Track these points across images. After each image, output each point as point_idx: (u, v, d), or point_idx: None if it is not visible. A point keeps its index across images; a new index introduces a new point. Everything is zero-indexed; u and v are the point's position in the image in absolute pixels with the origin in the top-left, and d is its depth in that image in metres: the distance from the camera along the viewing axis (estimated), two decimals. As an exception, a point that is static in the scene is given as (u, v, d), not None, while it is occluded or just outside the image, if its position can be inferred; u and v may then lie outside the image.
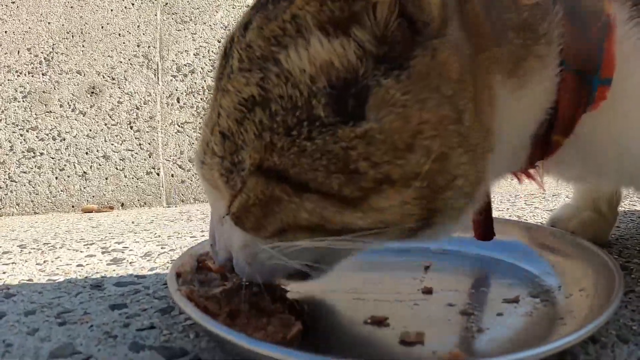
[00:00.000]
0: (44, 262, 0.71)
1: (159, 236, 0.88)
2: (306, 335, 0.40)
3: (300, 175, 0.35)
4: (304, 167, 0.35)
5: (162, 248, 0.77)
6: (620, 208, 0.73)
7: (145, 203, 1.41)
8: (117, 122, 1.47)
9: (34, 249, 0.80)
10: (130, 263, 0.68)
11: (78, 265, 0.68)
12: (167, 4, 1.63)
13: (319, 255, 0.40)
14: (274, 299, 0.43)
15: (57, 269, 0.67)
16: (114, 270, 0.65)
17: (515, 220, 0.80)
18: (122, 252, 0.75)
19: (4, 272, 0.65)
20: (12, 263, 0.70)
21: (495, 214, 1.00)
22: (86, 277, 0.62)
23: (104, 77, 1.51)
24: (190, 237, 0.87)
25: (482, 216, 0.57)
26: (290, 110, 0.35)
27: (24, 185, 1.37)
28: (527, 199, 1.19)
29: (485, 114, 0.37)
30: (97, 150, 1.44)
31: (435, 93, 0.34)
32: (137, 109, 1.50)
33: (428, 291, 0.49)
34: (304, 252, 0.39)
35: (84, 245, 0.81)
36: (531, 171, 0.48)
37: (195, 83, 1.56)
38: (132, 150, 1.45)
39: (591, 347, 0.40)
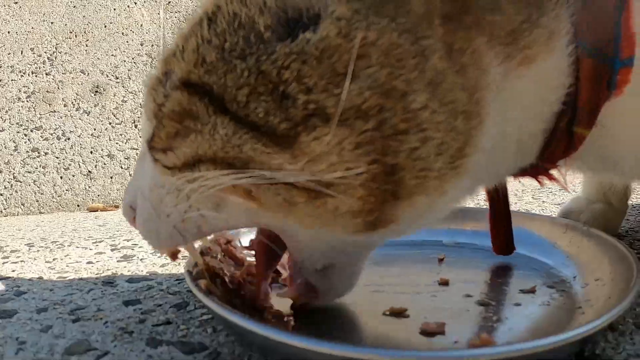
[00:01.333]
0: (54, 259, 0.70)
1: (168, 233, 0.88)
2: (325, 325, 0.40)
3: (225, 93, 0.32)
4: (228, 84, 0.32)
5: (171, 245, 0.77)
6: (629, 201, 0.73)
7: (150, 201, 1.41)
8: (122, 121, 1.47)
9: (42, 247, 0.79)
10: (141, 260, 0.68)
11: (88, 263, 0.68)
12: (170, 2, 1.63)
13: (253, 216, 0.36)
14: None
15: (67, 266, 0.66)
16: (125, 267, 0.65)
17: (527, 212, 0.80)
18: (132, 249, 0.75)
19: (13, 271, 0.65)
20: (21, 261, 0.70)
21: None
22: (97, 274, 0.61)
23: (107, 76, 1.51)
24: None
25: (503, 228, 0.54)
26: (233, 26, 0.33)
27: (29, 185, 1.37)
28: (534, 193, 1.19)
29: (469, 73, 0.33)
30: (102, 150, 1.43)
31: (387, 19, 0.31)
32: (141, 107, 1.50)
33: (445, 283, 0.49)
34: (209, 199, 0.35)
35: (93, 242, 0.81)
36: (553, 172, 0.44)
37: (198, 81, 1.56)
38: (136, 149, 1.45)
39: (610, 335, 0.40)
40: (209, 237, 0.50)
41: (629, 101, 0.39)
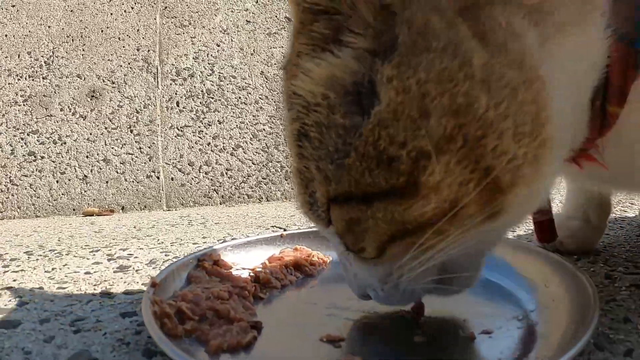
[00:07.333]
0: (52, 269, 0.73)
1: (162, 242, 0.91)
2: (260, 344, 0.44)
3: (358, 188, 0.36)
4: (355, 180, 0.36)
5: (165, 255, 0.80)
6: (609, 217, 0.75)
7: (145, 206, 1.44)
8: (117, 126, 1.50)
9: (40, 255, 0.82)
10: (137, 271, 0.71)
11: (86, 273, 0.70)
12: (166, 7, 1.66)
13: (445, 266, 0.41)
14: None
15: (66, 276, 0.69)
16: (121, 278, 0.68)
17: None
18: (128, 260, 0.78)
19: (14, 280, 0.68)
20: (22, 270, 0.73)
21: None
22: (95, 285, 0.64)
23: (104, 81, 1.54)
24: (192, 243, 0.90)
25: (546, 217, 0.59)
26: (323, 133, 0.37)
27: (25, 188, 1.39)
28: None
29: (509, 47, 0.35)
30: (98, 154, 1.46)
31: (424, 53, 0.34)
32: (137, 112, 1.52)
33: (406, 314, 0.49)
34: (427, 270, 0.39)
35: (90, 252, 0.84)
36: (590, 152, 0.46)
37: (194, 87, 1.58)
38: (132, 154, 1.48)
39: (568, 355, 0.43)
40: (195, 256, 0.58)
41: None
